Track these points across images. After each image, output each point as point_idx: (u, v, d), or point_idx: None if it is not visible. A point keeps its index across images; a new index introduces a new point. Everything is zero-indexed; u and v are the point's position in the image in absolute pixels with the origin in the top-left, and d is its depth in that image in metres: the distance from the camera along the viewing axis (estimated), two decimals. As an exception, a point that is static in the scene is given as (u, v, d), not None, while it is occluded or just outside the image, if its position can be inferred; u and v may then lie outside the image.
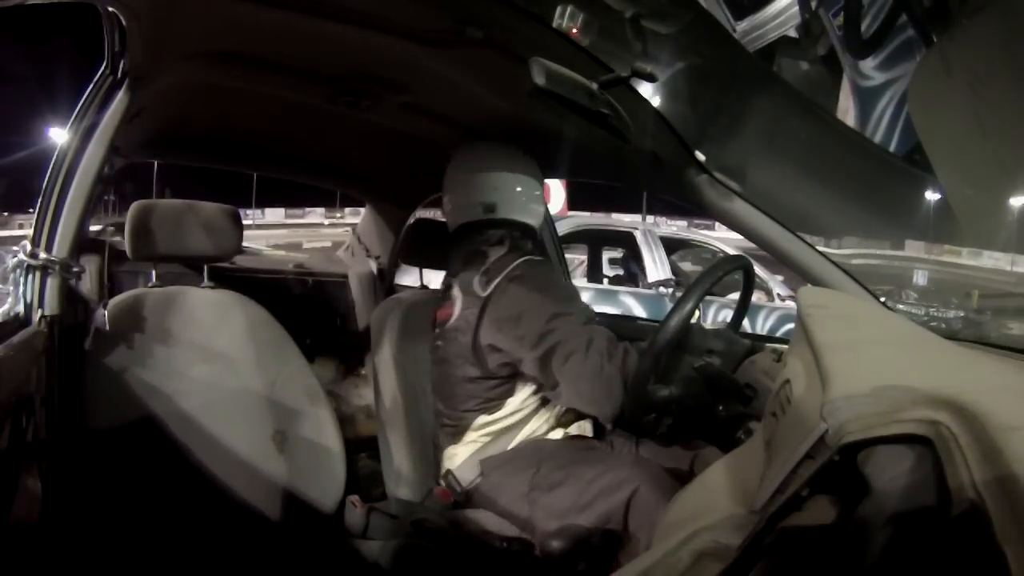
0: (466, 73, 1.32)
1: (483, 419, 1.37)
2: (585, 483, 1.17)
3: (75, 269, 1.20)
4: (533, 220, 1.47)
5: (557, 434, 1.38)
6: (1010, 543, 0.41)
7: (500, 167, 1.43)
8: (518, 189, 1.44)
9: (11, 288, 1.21)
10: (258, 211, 28.67)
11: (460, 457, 1.37)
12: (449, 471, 1.35)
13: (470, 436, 1.39)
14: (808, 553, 0.57)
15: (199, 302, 1.47)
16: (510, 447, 1.35)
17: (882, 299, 1.17)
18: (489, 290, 1.32)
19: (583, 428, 1.39)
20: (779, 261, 1.33)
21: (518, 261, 1.35)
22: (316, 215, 30.93)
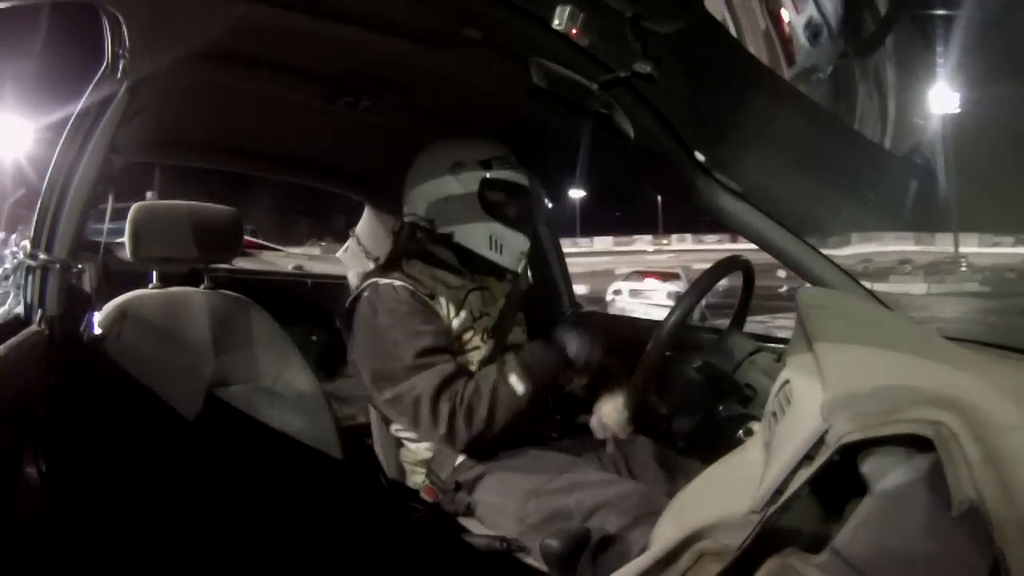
0: (466, 73, 1.32)
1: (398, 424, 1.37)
2: (588, 491, 1.13)
3: (75, 269, 1.20)
4: (445, 223, 1.39)
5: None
6: (1010, 543, 0.41)
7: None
8: (429, 185, 1.41)
9: (12, 289, 1.21)
10: (587, 239, 31.90)
11: (419, 459, 1.36)
12: (430, 468, 1.34)
13: (404, 440, 1.38)
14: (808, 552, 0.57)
15: (199, 303, 1.47)
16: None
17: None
18: (350, 299, 1.37)
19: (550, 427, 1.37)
20: (779, 261, 1.33)
21: (364, 283, 1.34)
22: (643, 242, 32.43)
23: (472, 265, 1.40)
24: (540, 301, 1.88)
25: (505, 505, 1.20)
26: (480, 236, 1.38)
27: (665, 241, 32.38)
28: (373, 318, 1.29)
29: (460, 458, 1.30)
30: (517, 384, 1.19)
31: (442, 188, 1.39)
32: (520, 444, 1.30)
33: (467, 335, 1.35)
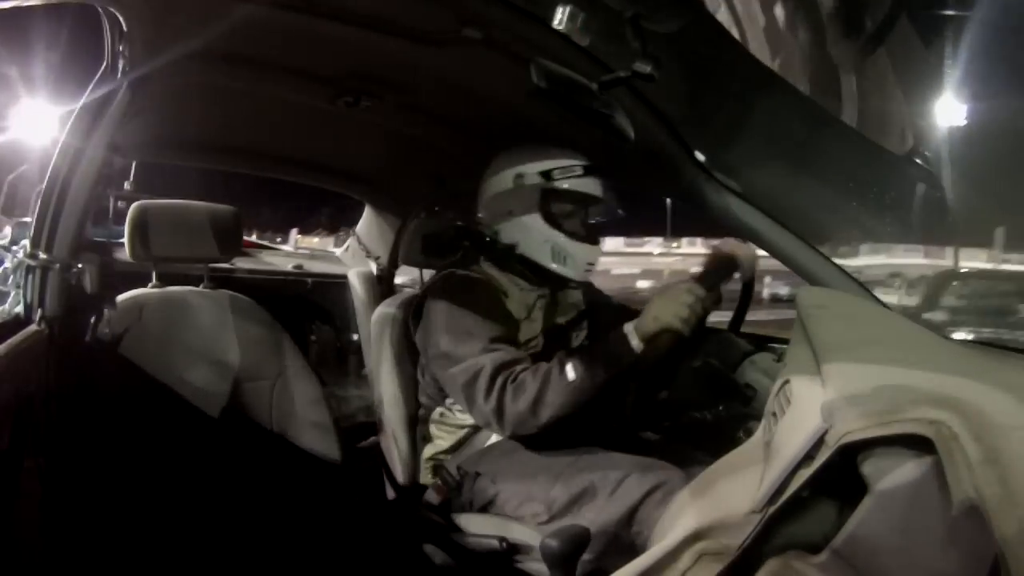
0: (466, 73, 1.32)
1: (440, 410, 1.38)
2: (609, 486, 1.13)
3: (75, 269, 1.20)
4: (509, 234, 1.37)
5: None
6: (1010, 543, 0.41)
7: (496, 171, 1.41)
8: (495, 195, 1.39)
9: (12, 288, 1.21)
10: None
11: (441, 450, 1.37)
12: (442, 467, 1.34)
13: (436, 430, 1.39)
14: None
15: (199, 303, 1.47)
16: (489, 442, 1.32)
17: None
18: (425, 286, 1.37)
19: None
20: (779, 261, 1.33)
21: (443, 273, 1.36)
22: (653, 244, 32.79)
23: (541, 274, 1.39)
24: None
25: (531, 491, 1.20)
26: (542, 248, 1.36)
27: (675, 244, 32.88)
28: (451, 303, 1.30)
29: (487, 444, 1.31)
30: (570, 370, 1.15)
31: (506, 200, 1.38)
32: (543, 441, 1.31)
33: (532, 342, 1.35)
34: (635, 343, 1.15)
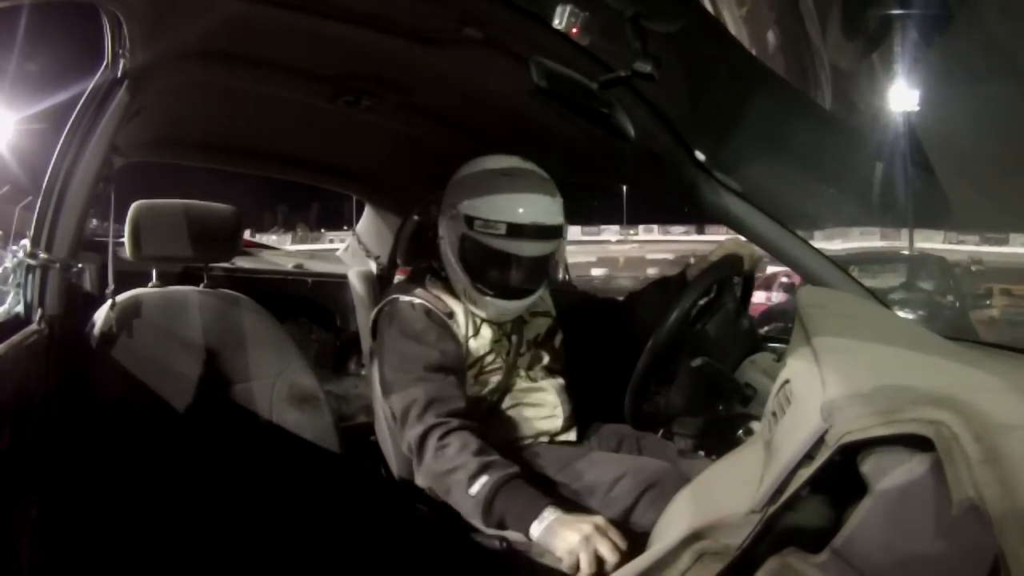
0: (466, 73, 1.32)
1: None
2: (605, 486, 1.14)
3: (75, 269, 1.20)
4: (444, 254, 1.30)
5: (543, 439, 1.33)
6: (1010, 542, 0.41)
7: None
8: (443, 208, 1.30)
9: (12, 288, 1.21)
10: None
11: None
12: None
13: None
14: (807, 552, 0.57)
15: (199, 303, 1.47)
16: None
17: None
18: (375, 312, 1.34)
19: (568, 436, 1.36)
20: (779, 260, 1.33)
21: (387, 298, 1.31)
22: (610, 232, 34.49)
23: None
24: None
25: None
26: (457, 285, 1.30)
27: (632, 232, 33.67)
28: (389, 333, 1.28)
29: None
30: (477, 485, 1.08)
31: (443, 220, 1.30)
32: (534, 445, 1.31)
33: (488, 357, 1.31)
34: (535, 534, 1.01)
